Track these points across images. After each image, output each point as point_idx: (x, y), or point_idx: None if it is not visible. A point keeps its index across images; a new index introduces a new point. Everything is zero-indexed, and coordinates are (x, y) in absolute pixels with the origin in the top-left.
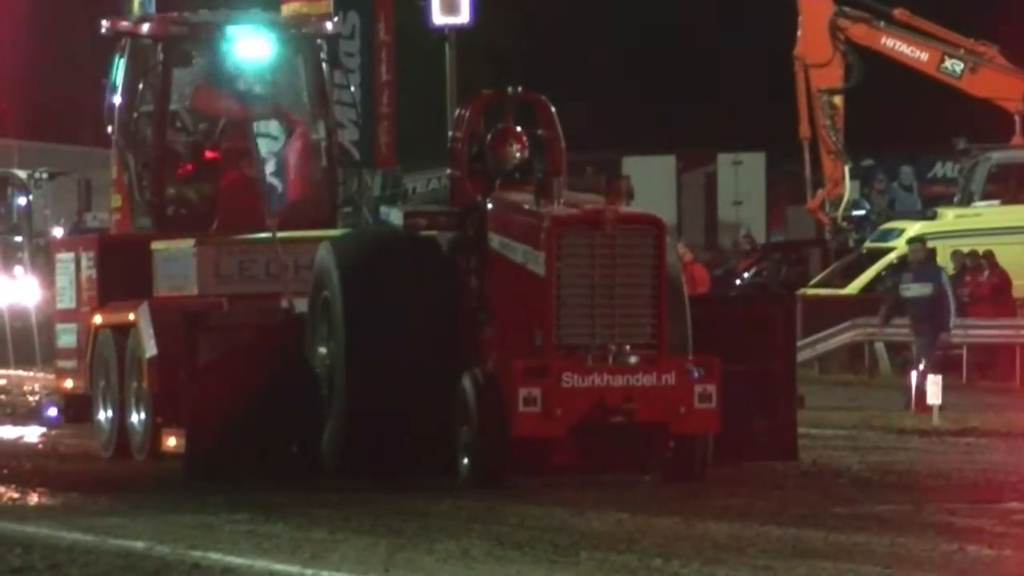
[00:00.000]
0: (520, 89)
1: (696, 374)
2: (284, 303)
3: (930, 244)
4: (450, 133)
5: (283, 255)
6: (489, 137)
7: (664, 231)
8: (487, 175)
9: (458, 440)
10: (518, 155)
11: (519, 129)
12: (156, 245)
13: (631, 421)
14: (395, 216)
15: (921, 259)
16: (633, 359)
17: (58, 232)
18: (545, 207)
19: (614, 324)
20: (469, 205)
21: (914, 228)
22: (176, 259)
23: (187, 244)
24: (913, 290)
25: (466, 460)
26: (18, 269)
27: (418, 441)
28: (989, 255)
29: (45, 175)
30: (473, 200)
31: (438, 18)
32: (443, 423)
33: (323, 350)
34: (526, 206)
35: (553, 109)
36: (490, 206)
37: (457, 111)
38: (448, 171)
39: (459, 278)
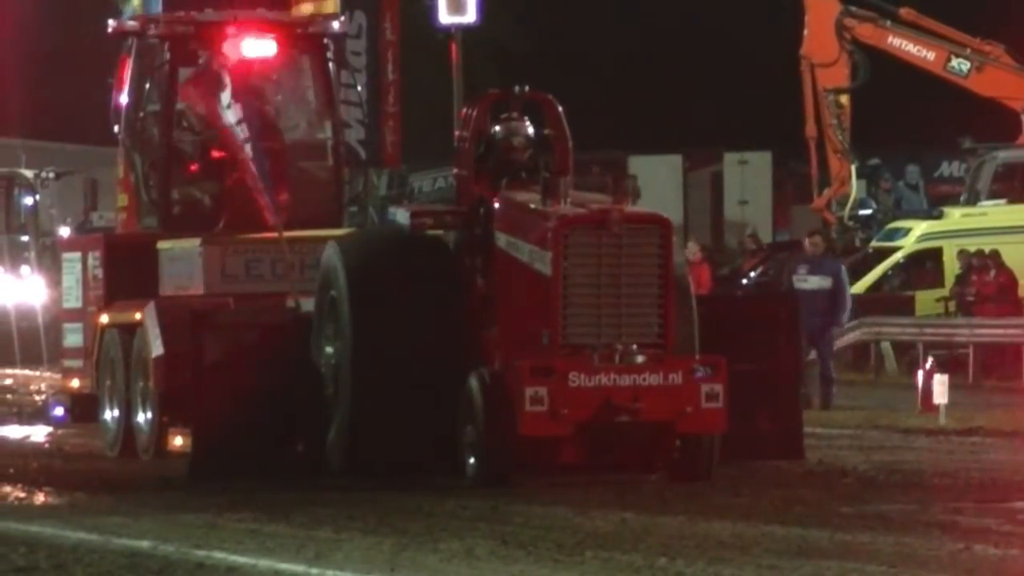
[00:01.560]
0: (527, 88)
1: (703, 373)
2: (290, 302)
3: (937, 243)
4: (456, 132)
5: (289, 254)
6: (496, 128)
7: (670, 230)
8: (493, 174)
9: (464, 439)
10: (523, 134)
11: (525, 119)
12: (162, 244)
13: (637, 420)
14: (401, 215)
15: (820, 252)
16: (639, 358)
17: (64, 231)
18: (552, 206)
19: (620, 323)
20: (475, 204)
21: (920, 227)
22: (182, 258)
23: (193, 243)
24: (812, 283)
25: (472, 459)
26: (24, 268)
27: (424, 440)
28: (995, 254)
29: (51, 175)
30: (479, 199)
31: (444, 17)
32: (449, 422)
33: (329, 349)
34: (532, 205)
35: (560, 108)
36: (496, 205)
37: (463, 110)
38: (454, 170)
39: (465, 277)
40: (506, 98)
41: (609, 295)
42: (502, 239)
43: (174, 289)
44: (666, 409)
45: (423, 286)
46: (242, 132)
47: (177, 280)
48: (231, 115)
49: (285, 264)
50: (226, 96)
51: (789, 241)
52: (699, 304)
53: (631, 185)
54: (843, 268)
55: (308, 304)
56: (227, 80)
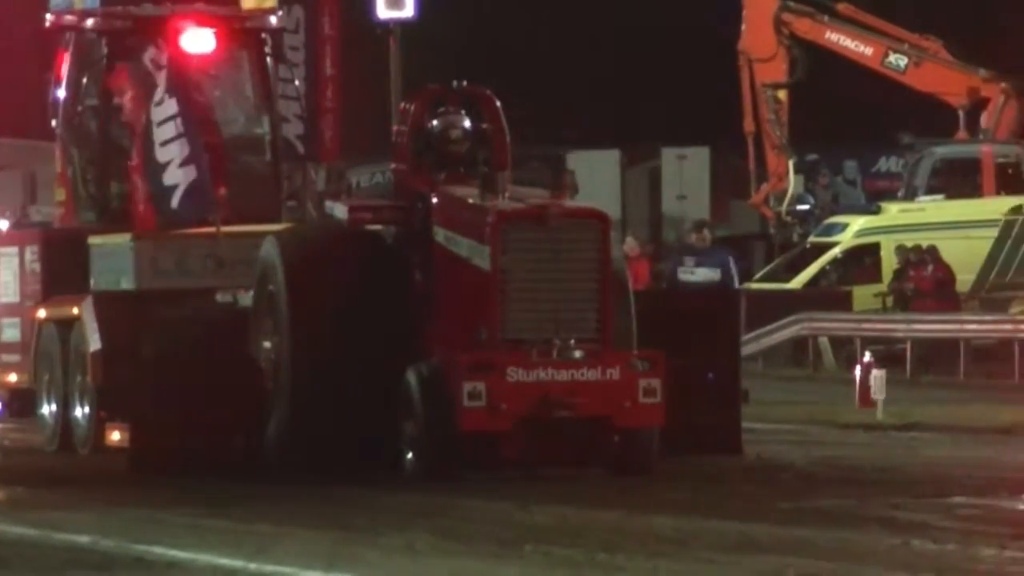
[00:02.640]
0: (465, 83)
1: (641, 368)
2: (221, 297)
3: (874, 238)
4: (394, 127)
5: (221, 250)
6: (434, 122)
7: (608, 225)
8: (432, 169)
9: (403, 434)
10: (463, 132)
11: (463, 113)
12: (93, 240)
13: (576, 415)
14: (339, 210)
15: (707, 244)
16: (578, 353)
17: (3, 225)
18: (490, 201)
19: (559, 318)
20: (414, 199)
21: (858, 223)
22: (113, 254)
23: (124, 239)
24: (699, 275)
25: (411, 455)
26: None
27: (363, 435)
28: (933, 250)
29: None
30: (418, 194)
31: (382, 12)
32: (388, 417)
33: (268, 344)
34: (471, 200)
35: (498, 103)
36: (435, 200)
37: (402, 104)
38: (392, 165)
39: (404, 272)
40: (445, 93)
41: (547, 290)
42: (440, 234)
43: (105, 284)
44: (604, 404)
45: (362, 281)
46: (176, 127)
47: (108, 275)
48: (164, 110)
49: (215, 259)
50: (159, 92)
51: (728, 236)
52: (637, 299)
53: (569, 180)
54: (731, 259)
55: (246, 299)
56: (160, 76)
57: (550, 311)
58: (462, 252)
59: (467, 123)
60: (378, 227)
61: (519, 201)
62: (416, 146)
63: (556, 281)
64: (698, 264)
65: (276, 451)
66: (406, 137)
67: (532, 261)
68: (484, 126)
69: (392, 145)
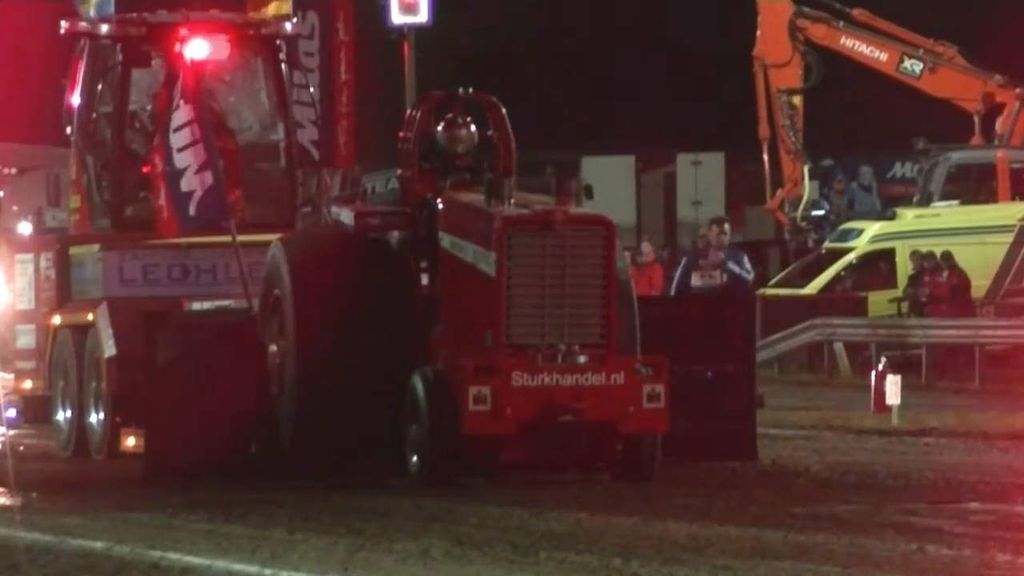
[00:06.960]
0: (471, 90)
1: (645, 373)
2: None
3: (889, 244)
4: (400, 133)
5: (242, 256)
6: (439, 129)
7: (613, 232)
8: (438, 175)
9: (408, 438)
10: (467, 141)
11: (468, 119)
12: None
13: (580, 420)
14: (346, 216)
15: (726, 243)
16: (582, 359)
17: (26, 228)
18: (495, 207)
19: (563, 324)
20: (420, 205)
21: (873, 228)
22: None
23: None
24: (717, 278)
25: (416, 458)
26: None
27: (367, 439)
28: (948, 255)
29: (14, 171)
30: (424, 200)
31: (397, 17)
32: (393, 421)
33: (274, 348)
34: (476, 206)
35: (503, 110)
36: (441, 206)
37: (407, 111)
38: (399, 171)
39: (410, 277)
40: (450, 99)
41: (553, 296)
42: (446, 240)
43: (81, 295)
44: (608, 409)
45: (367, 286)
46: (191, 134)
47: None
48: (180, 116)
49: (239, 266)
50: (174, 99)
51: (742, 242)
52: (653, 305)
53: (575, 186)
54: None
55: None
56: (174, 82)
57: (555, 316)
58: (467, 258)
59: (472, 130)
60: (384, 233)
61: (524, 207)
62: (422, 152)
63: (561, 287)
64: (716, 267)
65: (284, 454)
66: (412, 143)
67: (537, 267)
68: (489, 133)
69: (398, 151)
